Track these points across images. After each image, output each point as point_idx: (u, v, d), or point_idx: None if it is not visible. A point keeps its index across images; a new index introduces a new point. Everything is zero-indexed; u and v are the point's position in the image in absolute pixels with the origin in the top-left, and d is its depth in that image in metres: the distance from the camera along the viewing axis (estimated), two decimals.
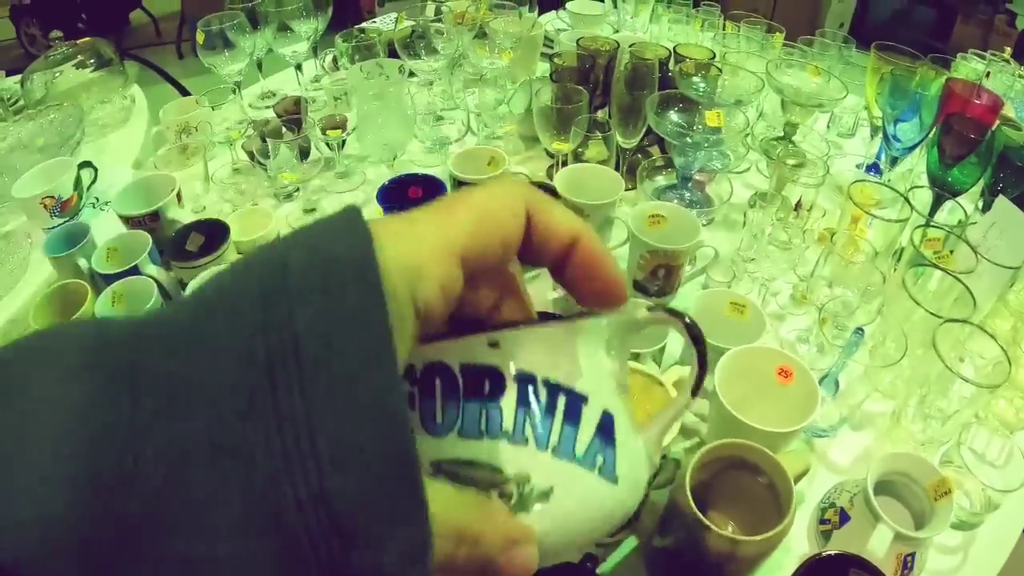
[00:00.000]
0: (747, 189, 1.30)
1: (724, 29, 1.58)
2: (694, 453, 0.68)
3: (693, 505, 0.63)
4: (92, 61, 1.62)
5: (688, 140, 1.13)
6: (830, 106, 1.33)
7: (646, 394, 0.74)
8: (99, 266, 1.03)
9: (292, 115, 1.22)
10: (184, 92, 2.27)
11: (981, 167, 1.13)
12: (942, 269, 0.91)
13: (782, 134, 1.37)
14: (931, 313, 0.84)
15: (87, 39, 1.63)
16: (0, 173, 1.42)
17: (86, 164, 1.32)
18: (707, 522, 0.62)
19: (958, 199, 1.11)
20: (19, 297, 1.17)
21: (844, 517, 0.77)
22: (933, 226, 1.01)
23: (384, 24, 1.66)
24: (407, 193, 1.15)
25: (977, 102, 1.24)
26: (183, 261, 1.01)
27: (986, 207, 1.12)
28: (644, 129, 1.21)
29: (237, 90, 1.39)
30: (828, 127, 1.55)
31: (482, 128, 1.33)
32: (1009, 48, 1.58)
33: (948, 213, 1.12)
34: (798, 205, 1.15)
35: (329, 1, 1.50)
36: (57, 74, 1.61)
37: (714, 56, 1.38)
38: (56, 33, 1.56)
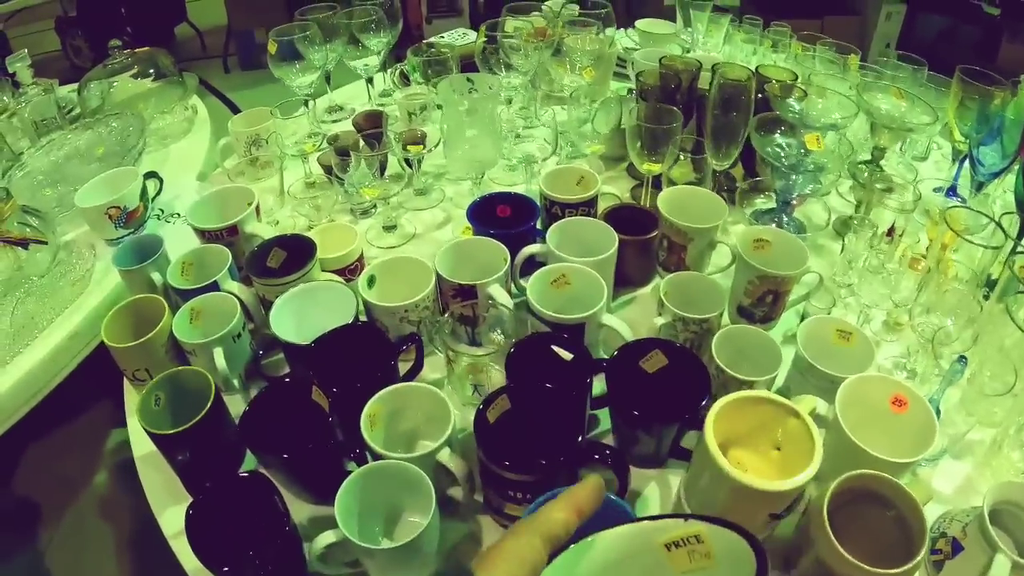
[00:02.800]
0: (825, 212, 1.25)
1: (792, 49, 1.54)
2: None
3: (833, 538, 0.60)
4: (151, 71, 1.58)
5: (805, 163, 1.08)
6: (920, 131, 1.27)
7: (779, 424, 0.68)
8: (175, 281, 0.97)
9: (371, 129, 1.17)
10: (231, 106, 2.24)
11: None
12: None
13: (869, 158, 1.31)
14: None
15: (146, 49, 1.59)
16: (56, 182, 1.38)
17: (152, 174, 1.27)
18: (848, 556, 0.59)
19: None
20: (82, 310, 1.12)
21: (957, 547, 0.72)
22: None
23: (452, 39, 1.62)
24: (495, 211, 1.09)
25: None
26: (267, 277, 0.95)
27: None
28: (738, 151, 1.15)
29: (312, 102, 1.35)
30: (901, 151, 1.49)
31: (565, 146, 1.27)
32: None
33: None
34: (891, 230, 1.10)
35: (399, 15, 1.45)
36: (114, 83, 1.57)
37: (796, 78, 1.32)
38: (115, 42, 1.52)
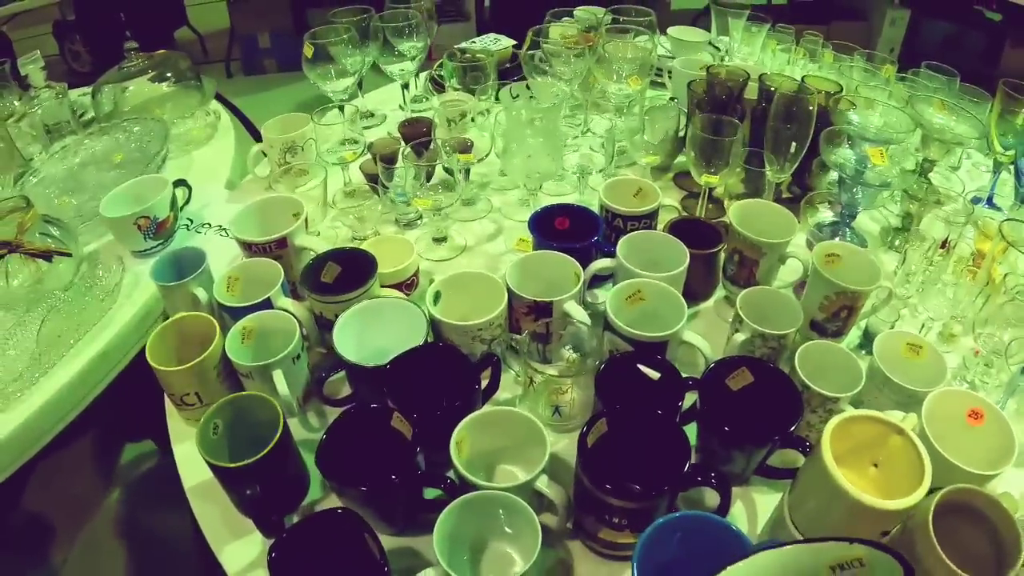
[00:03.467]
0: (872, 223, 1.23)
1: (826, 59, 1.52)
2: None
3: (941, 553, 0.58)
4: (169, 75, 1.52)
5: (870, 177, 1.05)
6: (969, 144, 1.25)
7: (881, 442, 0.67)
8: (223, 297, 0.91)
9: (418, 137, 1.11)
10: (236, 112, 2.16)
11: None
12: None
13: (918, 169, 1.29)
14: None
15: (162, 52, 1.53)
16: (72, 190, 1.31)
17: (181, 182, 1.21)
18: (958, 569, 0.58)
19: None
20: (112, 327, 1.05)
21: None
22: None
23: (485, 44, 1.57)
24: (554, 223, 1.04)
25: None
26: (325, 294, 0.89)
27: None
28: (797, 163, 1.11)
29: (356, 109, 1.29)
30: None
31: (618, 153, 1.23)
32: None
33: None
34: (945, 243, 1.08)
35: (436, 19, 1.41)
36: (129, 87, 1.50)
37: (841, 89, 1.29)
38: (131, 44, 1.46)
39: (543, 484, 0.69)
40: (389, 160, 1.12)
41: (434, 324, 0.86)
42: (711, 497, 0.79)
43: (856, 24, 3.43)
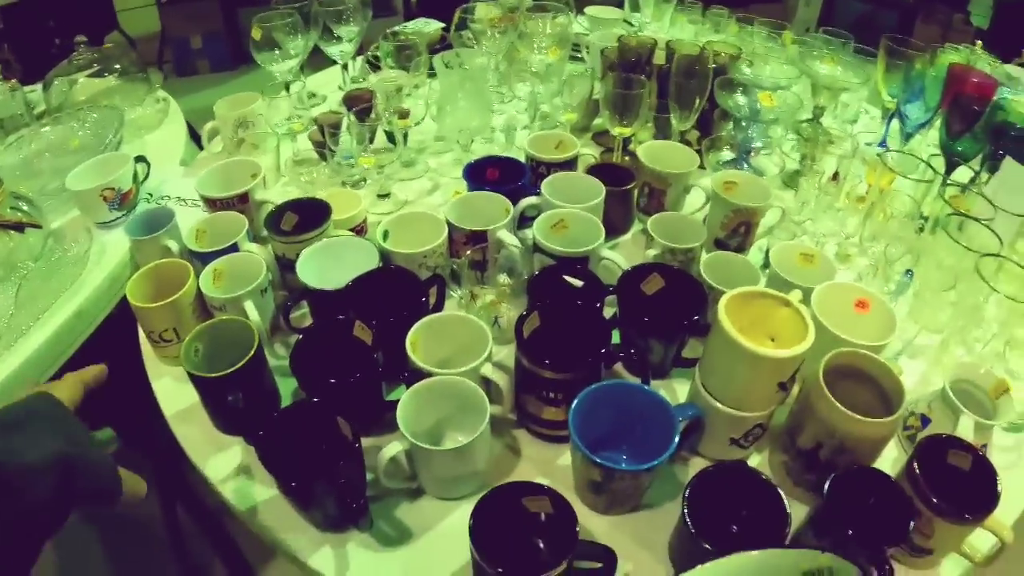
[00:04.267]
0: (775, 167, 1.37)
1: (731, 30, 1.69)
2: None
3: (831, 397, 0.71)
4: (117, 67, 1.60)
5: (762, 116, 1.20)
6: (855, 88, 1.43)
7: (773, 316, 0.78)
8: (194, 245, 1.01)
9: (362, 106, 1.23)
10: None
11: (982, 137, 1.26)
12: (972, 218, 1.03)
13: (811, 116, 1.46)
14: (970, 249, 0.95)
15: (110, 45, 1.61)
16: (30, 176, 1.38)
17: (140, 159, 1.29)
18: (847, 410, 0.70)
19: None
20: (85, 289, 1.14)
21: (925, 421, 0.87)
22: (957, 185, 1.16)
23: (416, 27, 1.70)
24: (485, 174, 1.17)
25: (975, 81, 1.37)
26: (286, 236, 1.00)
27: (991, 170, 1.23)
28: (698, 113, 1.27)
29: (295, 86, 1.40)
30: (835, 115, 1.65)
31: (541, 118, 1.37)
32: (980, 42, 1.72)
33: (956, 177, 1.26)
34: (835, 175, 1.24)
35: (369, 4, 1.52)
36: (78, 80, 1.58)
37: (741, 51, 1.46)
38: (81, 37, 1.53)
39: (488, 370, 0.81)
40: (335, 126, 1.24)
41: (384, 256, 0.98)
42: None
43: (773, 6, 3.65)
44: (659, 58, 1.43)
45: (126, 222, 1.10)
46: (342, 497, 0.71)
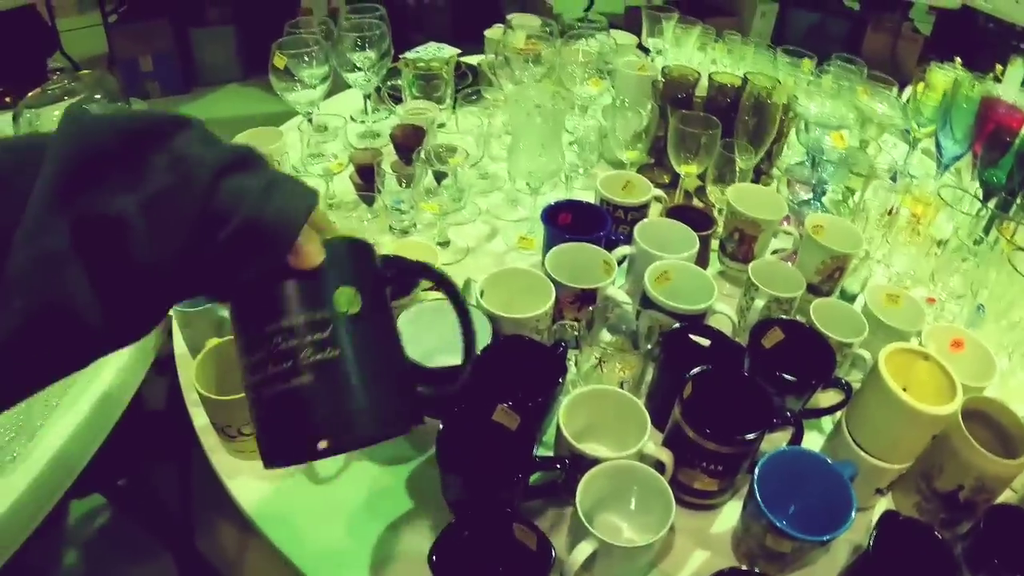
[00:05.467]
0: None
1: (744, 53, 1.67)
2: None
3: (971, 439, 0.73)
4: (99, 96, 1.42)
5: (840, 158, 1.17)
6: (900, 123, 1.43)
7: (909, 368, 0.80)
8: None
9: (413, 143, 1.12)
10: None
11: (1011, 167, 1.28)
12: None
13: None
14: None
15: (88, 71, 1.43)
16: None
17: None
18: (985, 452, 0.72)
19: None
20: (110, 365, 0.99)
21: None
22: (1006, 217, 1.17)
23: (427, 54, 1.59)
24: (558, 219, 1.09)
25: (1004, 113, 1.39)
26: None
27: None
28: (764, 151, 1.23)
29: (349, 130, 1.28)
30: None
31: (597, 156, 1.30)
32: (959, 58, 1.77)
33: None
34: (891, 210, 1.23)
35: (390, 31, 1.41)
36: (49, 112, 1.40)
37: (779, 83, 1.43)
38: (57, 64, 1.35)
39: (652, 449, 0.75)
40: (379, 166, 1.13)
41: (493, 320, 0.88)
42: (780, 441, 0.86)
43: (729, 19, 3.70)
44: (699, 89, 1.38)
45: None
46: None
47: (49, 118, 1.40)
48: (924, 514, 0.81)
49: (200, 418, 0.88)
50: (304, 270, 0.45)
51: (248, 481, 0.83)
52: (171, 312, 0.93)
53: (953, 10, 3.13)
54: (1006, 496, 0.81)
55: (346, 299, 0.46)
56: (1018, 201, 1.28)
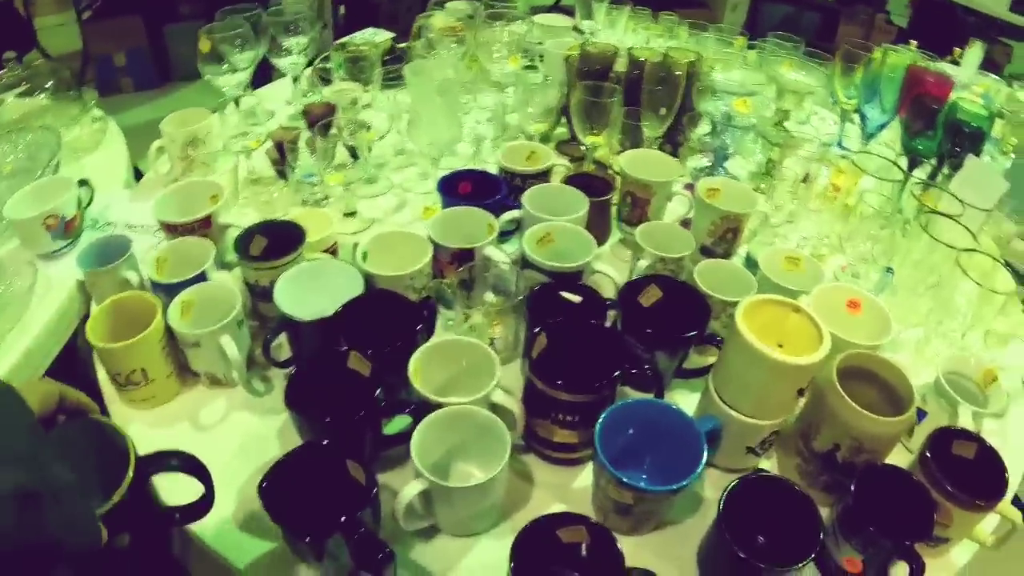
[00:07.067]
0: (740, 170, 1.39)
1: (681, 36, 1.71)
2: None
3: (846, 397, 0.72)
4: (49, 85, 1.49)
5: (739, 123, 1.20)
6: (818, 91, 1.46)
7: (781, 322, 0.77)
8: (156, 276, 0.94)
9: (323, 121, 1.17)
10: None
11: (939, 136, 1.30)
12: (945, 215, 1.05)
13: (776, 120, 1.48)
14: (949, 246, 0.97)
15: (41, 61, 1.50)
16: None
17: (83, 183, 1.20)
18: (861, 409, 0.71)
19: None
20: (34, 326, 1.04)
21: (921, 414, 0.89)
22: (924, 182, 1.20)
23: (366, 38, 1.64)
24: (457, 188, 1.13)
25: (932, 82, 1.41)
26: (259, 262, 0.94)
27: (953, 167, 1.27)
28: (671, 120, 1.26)
29: (258, 102, 1.32)
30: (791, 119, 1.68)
31: (504, 128, 1.34)
32: (914, 42, 1.79)
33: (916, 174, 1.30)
34: (805, 178, 1.26)
35: (319, 16, 1.46)
36: (6, 100, 1.46)
37: (700, 57, 1.46)
38: (10, 53, 1.42)
39: (500, 397, 0.77)
40: (293, 142, 1.18)
41: (369, 279, 0.93)
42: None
43: (701, 11, 3.71)
44: (619, 65, 1.42)
45: (76, 252, 1.02)
46: (362, 549, 0.65)
47: (5, 109, 1.47)
48: (805, 476, 0.80)
49: (102, 372, 0.93)
50: None
51: (140, 428, 0.89)
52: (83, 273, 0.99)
53: (932, 3, 3.12)
54: (901, 457, 0.81)
55: None
56: (944, 171, 1.31)
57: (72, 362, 1.12)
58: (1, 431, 0.49)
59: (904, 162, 1.31)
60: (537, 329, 0.81)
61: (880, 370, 0.80)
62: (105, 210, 1.24)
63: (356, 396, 0.76)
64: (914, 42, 1.76)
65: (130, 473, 0.59)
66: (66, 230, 1.13)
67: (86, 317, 1.06)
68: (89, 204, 1.22)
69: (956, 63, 1.81)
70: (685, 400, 0.92)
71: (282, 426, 0.88)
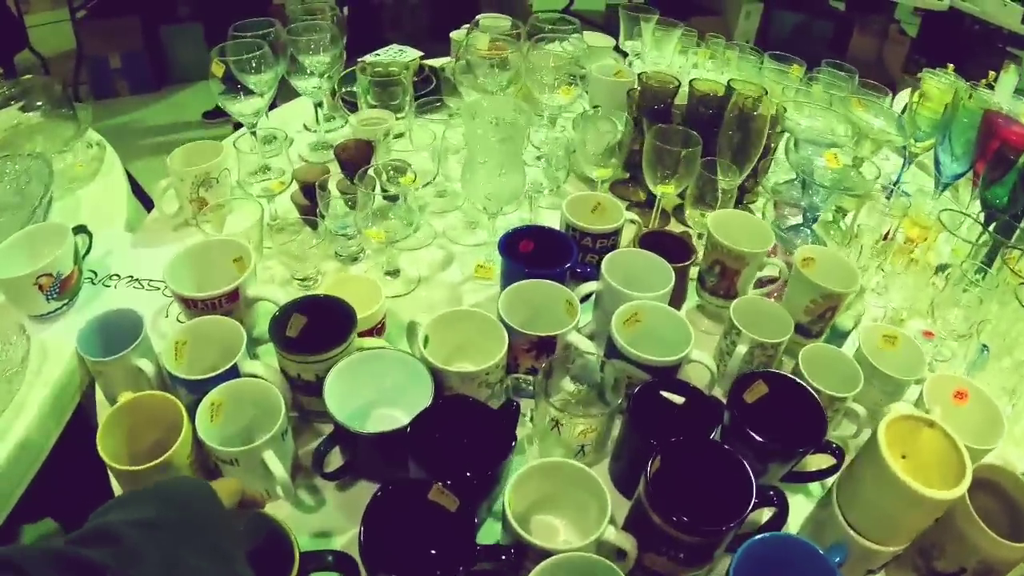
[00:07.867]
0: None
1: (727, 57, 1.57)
2: None
3: (981, 522, 0.65)
4: (39, 103, 1.31)
5: (834, 181, 1.07)
6: (899, 141, 1.33)
7: (911, 435, 0.70)
8: (176, 369, 0.78)
9: (360, 161, 1.02)
10: None
11: (1012, 182, 1.17)
12: None
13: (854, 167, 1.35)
14: None
15: (29, 76, 1.32)
16: None
17: (81, 229, 1.04)
18: (997, 537, 0.64)
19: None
20: (27, 412, 0.88)
21: None
22: (1015, 247, 1.06)
23: (390, 57, 1.48)
24: (518, 247, 0.99)
25: (1011, 129, 1.29)
26: (303, 353, 0.78)
27: None
28: (750, 169, 1.13)
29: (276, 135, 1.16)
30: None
31: (566, 174, 1.19)
32: (952, 65, 1.67)
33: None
34: (886, 235, 1.13)
35: (344, 33, 1.30)
36: None
37: (765, 92, 1.33)
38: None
39: (612, 535, 0.64)
40: (323, 186, 1.02)
41: (437, 374, 0.78)
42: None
43: (713, 19, 3.59)
44: (680, 97, 1.27)
45: (74, 321, 0.86)
46: None
47: None
48: None
49: None
50: None
51: None
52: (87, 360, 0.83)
53: (940, 12, 3.04)
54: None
55: None
56: (1021, 226, 1.19)
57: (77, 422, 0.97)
58: (205, 530, 0.52)
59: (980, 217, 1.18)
60: (655, 454, 0.67)
61: (1006, 483, 0.72)
62: (105, 259, 1.07)
63: (442, 539, 0.64)
64: (951, 65, 1.65)
65: (295, 571, 0.61)
66: (61, 289, 0.96)
67: (91, 386, 0.92)
68: (87, 253, 1.05)
69: (991, 87, 1.70)
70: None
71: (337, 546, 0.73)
